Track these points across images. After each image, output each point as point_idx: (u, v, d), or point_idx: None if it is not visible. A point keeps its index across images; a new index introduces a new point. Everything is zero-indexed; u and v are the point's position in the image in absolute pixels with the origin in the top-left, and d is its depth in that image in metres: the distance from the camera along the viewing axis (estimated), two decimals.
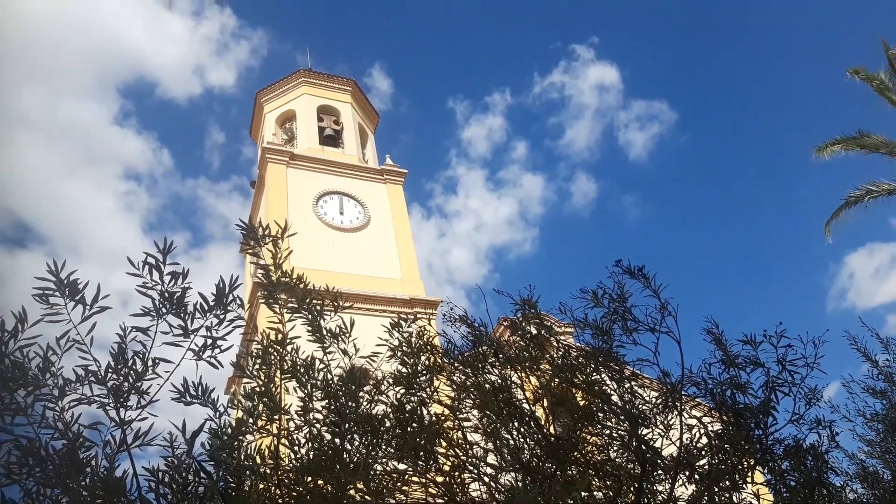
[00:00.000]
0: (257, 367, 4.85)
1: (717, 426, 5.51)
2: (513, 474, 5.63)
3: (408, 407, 5.40)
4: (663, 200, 66.32)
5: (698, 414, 5.73)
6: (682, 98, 66.42)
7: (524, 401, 5.87)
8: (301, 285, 5.10)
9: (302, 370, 4.91)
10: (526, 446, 5.69)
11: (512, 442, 5.67)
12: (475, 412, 5.96)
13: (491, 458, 5.88)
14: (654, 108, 67.55)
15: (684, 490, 5.47)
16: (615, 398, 5.62)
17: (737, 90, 63.19)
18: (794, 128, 58.09)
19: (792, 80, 60.48)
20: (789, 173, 59.70)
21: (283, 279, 4.98)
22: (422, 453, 5.29)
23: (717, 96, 63.97)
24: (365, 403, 5.20)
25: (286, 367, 4.90)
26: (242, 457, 4.36)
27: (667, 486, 5.47)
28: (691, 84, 65.24)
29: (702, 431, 5.48)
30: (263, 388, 4.68)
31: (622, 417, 5.48)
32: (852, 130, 16.38)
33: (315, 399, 4.92)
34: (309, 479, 4.49)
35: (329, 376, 5.00)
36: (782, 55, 61.10)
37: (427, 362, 5.89)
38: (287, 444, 4.79)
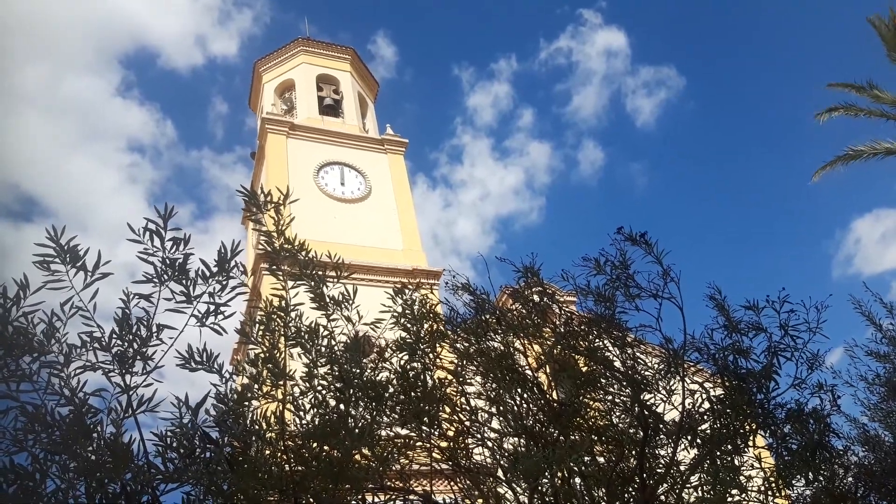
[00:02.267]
0: (261, 333, 4.85)
1: (719, 391, 5.52)
2: (516, 439, 5.68)
3: (411, 373, 5.42)
4: (670, 168, 65.89)
5: (700, 379, 5.74)
6: (690, 63, 65.58)
7: (527, 367, 5.89)
8: (303, 252, 5.08)
9: (306, 336, 4.92)
10: (529, 412, 5.72)
11: (515, 408, 5.70)
12: (478, 378, 5.99)
13: (494, 424, 5.93)
14: (661, 74, 66.74)
15: (686, 454, 5.52)
16: (617, 364, 5.64)
17: (744, 53, 62.46)
18: (801, 92, 57.58)
19: (800, 43, 59.76)
20: (796, 138, 59.19)
21: (286, 246, 4.96)
22: (426, 419, 5.32)
23: (725, 60, 63.17)
24: (369, 370, 5.22)
25: (290, 334, 4.90)
26: (248, 422, 4.39)
27: (669, 451, 5.52)
28: (699, 48, 64.37)
29: (704, 396, 5.50)
30: (268, 355, 4.69)
31: (624, 383, 5.51)
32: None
33: (319, 365, 4.93)
34: (314, 444, 4.53)
35: (333, 343, 5.01)
36: (790, 18, 60.29)
37: (430, 329, 5.90)
38: (292, 409, 4.81)
